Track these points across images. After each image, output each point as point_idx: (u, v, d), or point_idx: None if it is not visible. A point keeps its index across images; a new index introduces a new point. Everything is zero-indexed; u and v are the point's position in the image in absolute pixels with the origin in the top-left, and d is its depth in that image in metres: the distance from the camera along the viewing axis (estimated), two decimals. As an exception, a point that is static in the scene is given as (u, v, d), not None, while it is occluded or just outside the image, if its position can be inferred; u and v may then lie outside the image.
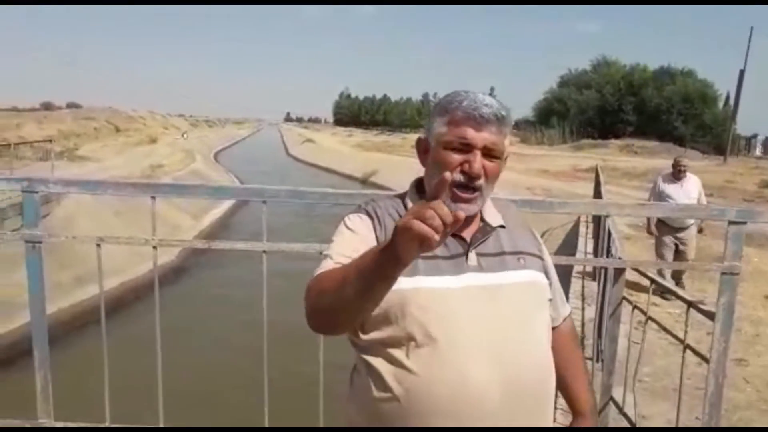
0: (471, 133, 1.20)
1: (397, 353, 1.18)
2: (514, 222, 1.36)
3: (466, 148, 1.20)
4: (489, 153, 1.21)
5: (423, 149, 1.31)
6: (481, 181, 1.21)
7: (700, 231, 6.56)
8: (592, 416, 1.40)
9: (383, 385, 1.18)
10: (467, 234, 1.27)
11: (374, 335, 1.21)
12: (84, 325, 8.64)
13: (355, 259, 1.08)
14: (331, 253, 1.23)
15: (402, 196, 1.35)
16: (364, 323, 1.21)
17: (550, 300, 1.35)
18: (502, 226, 1.32)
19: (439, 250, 1.20)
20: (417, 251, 0.93)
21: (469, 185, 1.21)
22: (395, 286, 1.08)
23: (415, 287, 1.18)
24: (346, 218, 1.31)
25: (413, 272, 1.18)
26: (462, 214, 0.92)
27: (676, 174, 6.36)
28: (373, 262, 1.00)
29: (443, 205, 0.91)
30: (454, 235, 1.24)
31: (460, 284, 1.20)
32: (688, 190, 6.22)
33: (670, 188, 6.29)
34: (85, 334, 8.22)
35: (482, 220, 1.30)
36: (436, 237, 0.90)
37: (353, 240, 1.24)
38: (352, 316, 1.12)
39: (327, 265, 1.19)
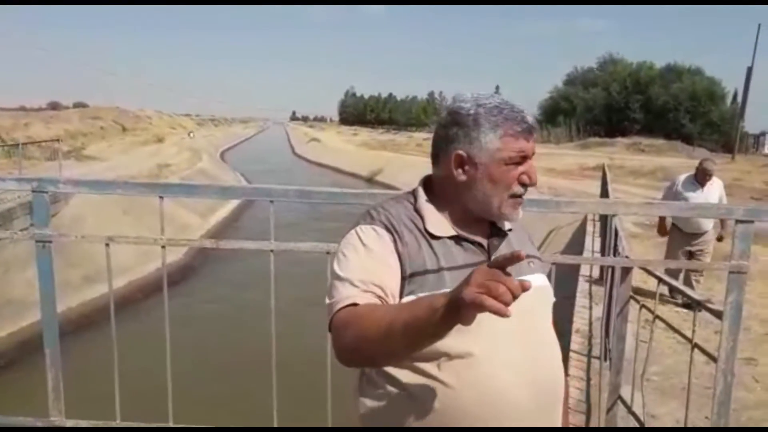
0: (526, 145, 1.22)
1: (427, 366, 1.15)
2: (516, 225, 1.36)
3: (523, 160, 1.22)
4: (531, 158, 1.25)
5: (463, 164, 1.24)
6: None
7: (719, 239, 5.88)
8: (565, 403, 1.41)
9: (412, 397, 1.15)
10: (483, 240, 1.27)
11: None
12: (93, 324, 8.71)
13: (400, 311, 1.04)
14: (352, 279, 1.16)
15: (411, 199, 1.30)
16: None
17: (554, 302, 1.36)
18: (509, 230, 1.32)
19: (461, 259, 1.22)
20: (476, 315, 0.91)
21: (522, 194, 1.25)
22: None
23: None
24: (358, 230, 1.23)
25: (440, 285, 1.16)
26: (529, 284, 0.90)
27: (701, 179, 5.71)
28: (427, 323, 0.96)
29: (515, 281, 0.88)
30: (472, 242, 1.25)
31: None
32: (710, 196, 5.66)
33: (691, 195, 5.66)
34: (94, 333, 8.27)
35: (492, 224, 1.29)
36: (510, 312, 0.87)
37: (374, 264, 1.18)
38: (398, 361, 1.13)
39: (351, 295, 1.13)
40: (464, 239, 1.25)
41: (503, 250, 1.28)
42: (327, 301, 1.18)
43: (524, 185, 1.23)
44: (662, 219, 6.09)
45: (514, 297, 0.87)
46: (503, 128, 1.20)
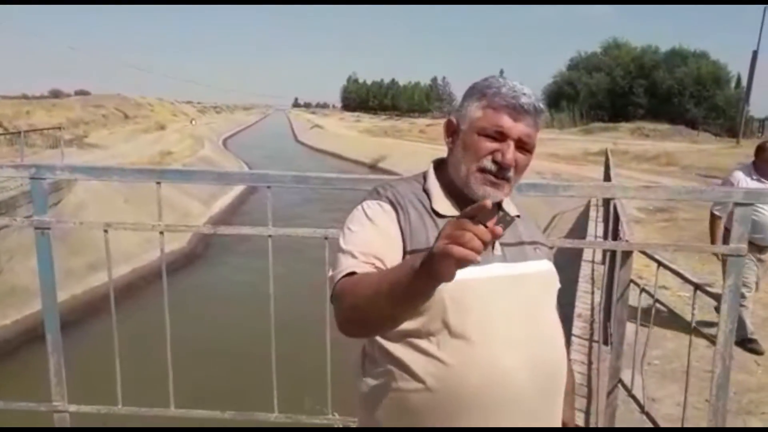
0: (508, 122, 1.18)
1: (426, 344, 1.15)
2: (522, 211, 1.36)
3: (501, 137, 1.19)
4: (522, 146, 1.20)
5: (452, 131, 1.27)
6: (512, 172, 1.20)
7: None
8: (571, 395, 1.42)
9: (412, 375, 1.16)
10: (489, 223, 1.26)
11: (401, 326, 1.16)
12: (97, 311, 8.76)
13: (387, 273, 1.06)
14: (354, 251, 1.16)
15: (420, 180, 1.31)
16: None
17: (558, 288, 1.35)
18: (518, 216, 1.32)
19: None
20: (456, 270, 0.91)
21: (498, 175, 1.20)
22: None
23: None
24: (364, 205, 1.24)
25: None
26: (500, 230, 0.90)
27: (763, 169, 4.32)
28: (408, 282, 0.96)
29: (480, 226, 0.88)
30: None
31: (488, 274, 1.19)
32: None
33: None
34: (98, 320, 8.32)
35: (500, 209, 1.29)
36: (478, 258, 0.88)
37: (377, 238, 1.18)
38: (390, 327, 1.12)
39: (350, 265, 1.14)
40: None
41: (509, 234, 1.27)
42: (329, 273, 1.19)
43: (497, 164, 1.19)
44: (714, 227, 4.43)
45: (485, 243, 0.88)
46: (488, 100, 1.20)
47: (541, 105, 1.20)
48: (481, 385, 1.13)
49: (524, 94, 1.18)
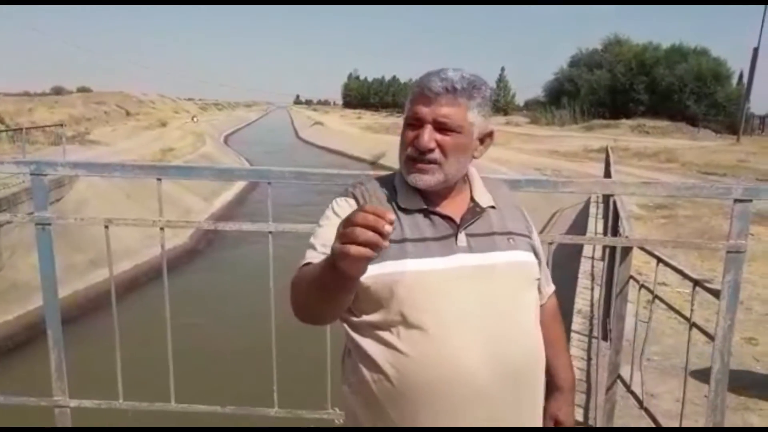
0: (421, 109, 1.22)
1: (388, 336, 1.18)
2: (505, 202, 1.36)
3: (418, 123, 1.22)
4: (442, 126, 1.21)
5: None
6: (436, 155, 1.22)
7: None
8: (570, 393, 1.44)
9: (375, 366, 1.19)
10: (456, 215, 1.27)
11: (365, 317, 1.21)
12: (99, 307, 8.77)
13: (314, 267, 1.09)
14: (316, 243, 1.23)
15: (392, 176, 1.34)
16: (353, 305, 1.21)
17: (538, 279, 1.35)
18: (492, 207, 1.32)
19: (429, 232, 1.23)
20: (366, 264, 0.92)
21: (422, 159, 1.22)
22: (383, 270, 1.14)
23: (402, 270, 1.18)
24: (334, 202, 1.30)
25: (401, 255, 1.18)
26: (391, 216, 0.89)
27: None
28: (324, 277, 1.00)
29: (367, 215, 0.88)
30: (443, 216, 1.25)
31: (449, 265, 1.20)
32: None
33: None
34: (99, 316, 8.33)
35: (472, 200, 1.31)
36: (373, 253, 0.88)
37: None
38: (326, 317, 1.17)
39: (308, 257, 1.20)
40: (434, 213, 1.26)
41: (479, 225, 1.28)
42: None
43: (416, 149, 1.22)
44: None
45: (378, 231, 0.87)
46: (410, 94, 1.25)
47: (461, 84, 1.21)
48: (439, 380, 1.14)
49: (442, 78, 1.21)
